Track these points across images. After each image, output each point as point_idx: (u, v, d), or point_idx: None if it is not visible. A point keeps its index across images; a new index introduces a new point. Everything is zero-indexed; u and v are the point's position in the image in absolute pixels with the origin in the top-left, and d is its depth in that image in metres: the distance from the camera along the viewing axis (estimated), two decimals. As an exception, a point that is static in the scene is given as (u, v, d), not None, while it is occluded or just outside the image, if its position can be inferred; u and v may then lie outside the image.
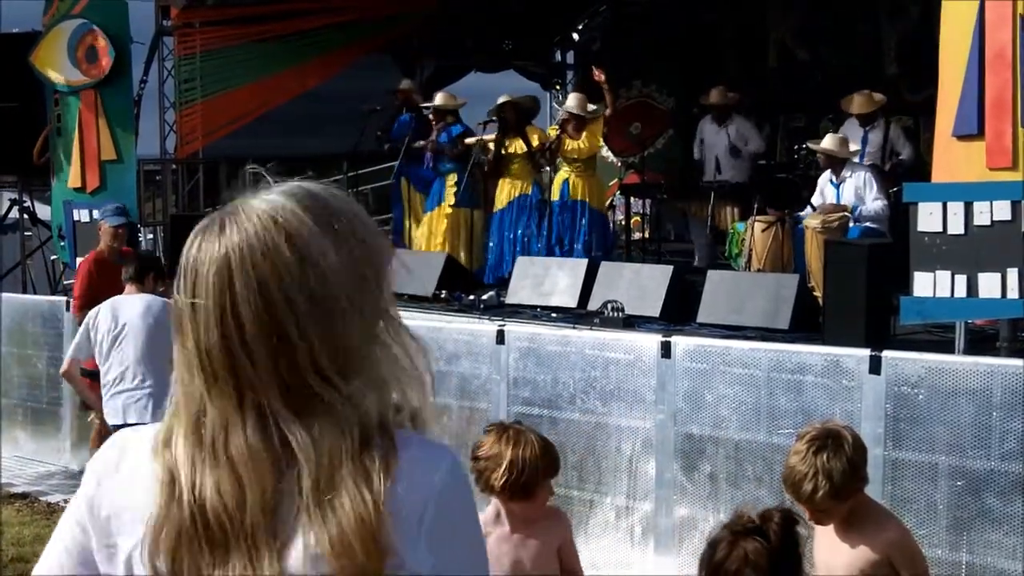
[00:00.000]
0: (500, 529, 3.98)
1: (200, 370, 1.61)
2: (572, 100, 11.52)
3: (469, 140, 11.72)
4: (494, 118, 11.66)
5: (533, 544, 4.08)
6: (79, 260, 11.64)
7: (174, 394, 1.66)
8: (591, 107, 11.32)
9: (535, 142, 11.32)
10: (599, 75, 11.14)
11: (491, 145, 11.53)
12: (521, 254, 11.10)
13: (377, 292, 1.67)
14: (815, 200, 10.06)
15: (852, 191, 9.75)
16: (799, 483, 3.79)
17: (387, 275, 1.69)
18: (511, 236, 11.37)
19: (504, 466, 3.79)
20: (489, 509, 3.99)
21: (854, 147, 10.25)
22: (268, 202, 1.63)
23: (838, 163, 9.89)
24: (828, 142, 10.01)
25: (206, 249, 1.61)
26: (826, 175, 10.00)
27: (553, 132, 11.47)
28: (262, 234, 1.60)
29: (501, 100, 11.56)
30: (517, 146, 11.35)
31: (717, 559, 3.08)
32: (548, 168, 12.09)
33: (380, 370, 1.65)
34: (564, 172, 11.31)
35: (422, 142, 12.07)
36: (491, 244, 11.58)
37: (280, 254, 1.59)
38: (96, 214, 10.99)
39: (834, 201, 9.78)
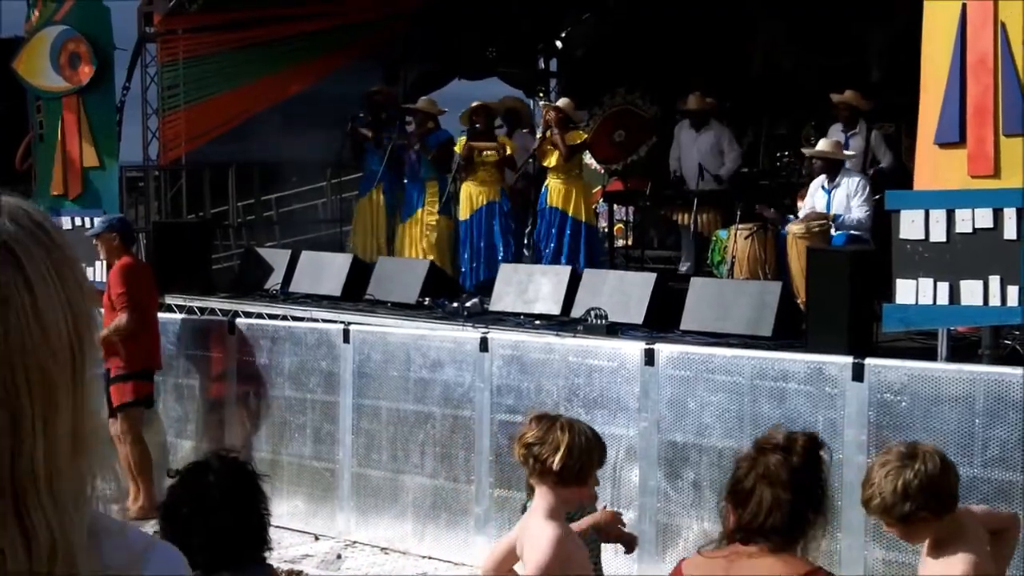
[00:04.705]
0: (566, 528, 3.97)
1: None
2: (564, 100, 11.50)
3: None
4: (464, 127, 11.65)
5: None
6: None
7: None
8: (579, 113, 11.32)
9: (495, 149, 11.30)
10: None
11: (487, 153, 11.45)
12: (489, 261, 11.09)
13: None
14: (805, 205, 10.00)
15: (844, 197, 9.59)
16: (893, 505, 3.59)
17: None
18: (482, 244, 11.33)
19: (562, 451, 3.81)
20: (546, 507, 3.89)
21: (848, 152, 10.20)
22: None
23: (832, 168, 9.75)
24: (823, 145, 9.91)
25: None
26: (818, 181, 9.84)
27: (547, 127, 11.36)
28: None
29: (473, 105, 11.58)
30: (488, 153, 11.32)
31: (737, 475, 3.10)
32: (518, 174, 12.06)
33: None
34: (547, 180, 11.28)
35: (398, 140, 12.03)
36: (465, 254, 11.50)
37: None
38: (79, 221, 10.93)
39: (823, 207, 9.68)
